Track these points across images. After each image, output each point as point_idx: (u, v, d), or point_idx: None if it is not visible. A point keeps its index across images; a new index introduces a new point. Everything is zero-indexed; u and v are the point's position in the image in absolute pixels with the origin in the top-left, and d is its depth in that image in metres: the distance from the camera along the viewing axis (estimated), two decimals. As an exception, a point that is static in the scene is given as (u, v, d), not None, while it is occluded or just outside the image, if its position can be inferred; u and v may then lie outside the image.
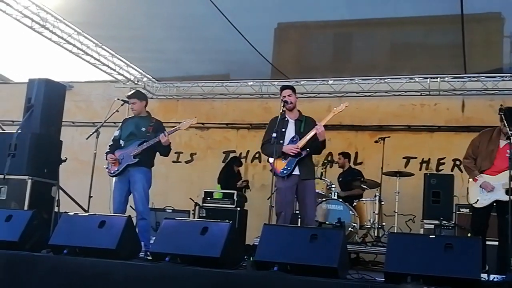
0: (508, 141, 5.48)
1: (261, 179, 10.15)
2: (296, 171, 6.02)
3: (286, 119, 6.19)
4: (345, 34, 8.71)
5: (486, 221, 5.89)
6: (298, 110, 6.34)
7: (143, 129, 6.51)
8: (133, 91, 6.97)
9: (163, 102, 11.10)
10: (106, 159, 6.53)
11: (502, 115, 5.63)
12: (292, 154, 5.98)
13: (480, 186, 5.80)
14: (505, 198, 5.57)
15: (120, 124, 6.79)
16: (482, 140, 5.94)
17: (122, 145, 6.53)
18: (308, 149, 6.03)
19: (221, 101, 10.98)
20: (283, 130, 6.11)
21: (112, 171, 6.49)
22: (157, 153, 6.60)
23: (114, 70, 10.10)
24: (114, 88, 10.50)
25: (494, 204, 5.82)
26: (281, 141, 6.06)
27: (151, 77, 10.78)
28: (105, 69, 9.95)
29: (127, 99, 6.70)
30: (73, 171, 9.18)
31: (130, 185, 6.40)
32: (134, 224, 5.73)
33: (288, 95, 6.16)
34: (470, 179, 5.98)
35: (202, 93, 10.80)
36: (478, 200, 5.83)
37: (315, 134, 5.93)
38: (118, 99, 6.80)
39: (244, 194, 9.45)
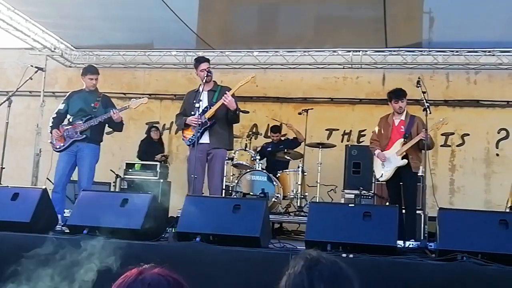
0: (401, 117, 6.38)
1: (185, 150, 9.82)
2: (206, 140, 6.16)
3: (199, 91, 6.28)
4: (271, 6, 8.64)
5: (399, 191, 6.29)
6: (214, 81, 6.45)
7: (92, 104, 6.54)
8: (89, 66, 6.88)
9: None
10: (51, 132, 6.51)
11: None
12: (194, 124, 6.10)
13: (377, 157, 6.36)
14: (402, 162, 6.18)
15: (66, 98, 6.70)
16: (380, 124, 6.58)
17: (71, 120, 6.52)
18: (214, 120, 6.14)
19: (143, 70, 10.68)
20: (194, 102, 6.18)
21: (57, 146, 6.46)
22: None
23: (29, 36, 9.52)
24: (29, 56, 9.94)
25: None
26: (192, 113, 6.19)
27: (69, 45, 10.28)
28: (18, 35, 9.36)
29: (39, 68, 6.46)
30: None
31: (77, 159, 6.43)
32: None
33: (208, 67, 6.29)
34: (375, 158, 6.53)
35: (123, 62, 10.43)
36: (382, 174, 6.36)
37: (222, 104, 6.04)
38: (32, 65, 6.53)
39: (167, 165, 9.30)
